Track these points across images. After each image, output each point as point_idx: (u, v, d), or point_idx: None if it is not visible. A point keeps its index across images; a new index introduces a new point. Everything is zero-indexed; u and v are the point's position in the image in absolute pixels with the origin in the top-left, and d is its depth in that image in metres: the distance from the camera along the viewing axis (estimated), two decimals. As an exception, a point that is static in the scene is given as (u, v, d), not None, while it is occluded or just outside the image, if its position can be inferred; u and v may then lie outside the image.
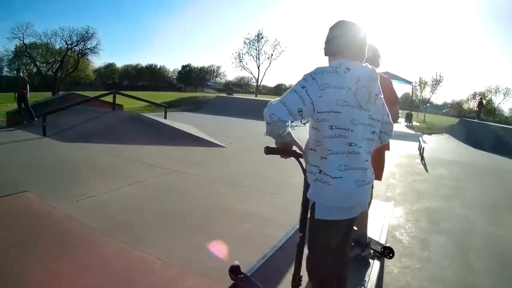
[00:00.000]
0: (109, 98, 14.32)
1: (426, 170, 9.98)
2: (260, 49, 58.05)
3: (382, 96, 2.38)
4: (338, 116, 2.16)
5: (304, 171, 2.37)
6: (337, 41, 2.32)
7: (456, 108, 64.52)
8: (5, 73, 59.16)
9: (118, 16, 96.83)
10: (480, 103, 34.13)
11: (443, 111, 43.70)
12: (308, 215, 2.36)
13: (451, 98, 66.89)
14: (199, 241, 4.32)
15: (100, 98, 14.44)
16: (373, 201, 5.00)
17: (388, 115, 2.49)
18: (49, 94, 33.36)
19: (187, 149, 10.12)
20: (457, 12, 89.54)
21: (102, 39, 68.39)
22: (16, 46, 50.82)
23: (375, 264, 3.51)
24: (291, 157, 2.46)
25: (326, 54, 2.41)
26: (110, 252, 3.81)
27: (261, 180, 7.31)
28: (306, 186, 2.34)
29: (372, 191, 3.88)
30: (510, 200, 7.62)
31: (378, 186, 7.76)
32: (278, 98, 2.18)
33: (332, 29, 2.37)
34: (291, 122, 2.18)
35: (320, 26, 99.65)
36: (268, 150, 2.35)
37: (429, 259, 4.47)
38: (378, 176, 4.03)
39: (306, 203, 2.38)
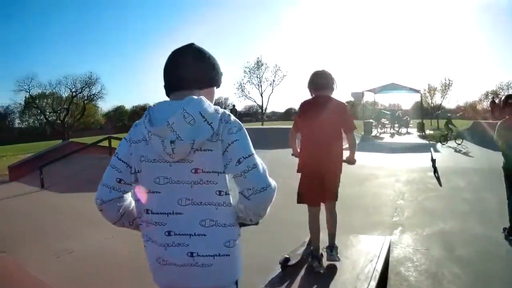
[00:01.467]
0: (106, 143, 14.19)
1: (440, 184, 9.31)
2: (261, 76, 57.86)
3: (212, 137, 1.65)
4: (141, 176, 1.73)
5: None
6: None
7: (470, 111, 63.10)
8: (17, 124, 60.96)
9: (120, 58, 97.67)
10: (493, 102, 33.02)
11: (457, 114, 42.71)
12: None
13: (464, 100, 65.50)
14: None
15: (98, 144, 14.30)
16: (363, 237, 4.48)
17: (240, 162, 1.64)
18: (60, 141, 33.83)
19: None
20: (458, 12, 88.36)
21: (107, 83, 68.77)
22: (25, 98, 52.20)
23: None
24: None
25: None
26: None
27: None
28: None
29: (334, 196, 3.90)
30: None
31: (384, 210, 7.20)
32: None
33: None
34: (122, 197, 1.80)
35: (320, 46, 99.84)
36: None
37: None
38: (331, 196, 3.90)
39: None
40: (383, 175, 10.61)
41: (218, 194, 1.66)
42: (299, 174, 3.95)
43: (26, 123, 61.37)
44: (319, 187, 3.82)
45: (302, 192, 3.90)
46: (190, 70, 1.77)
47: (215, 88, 1.88)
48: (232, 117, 1.71)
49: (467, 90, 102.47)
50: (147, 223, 1.72)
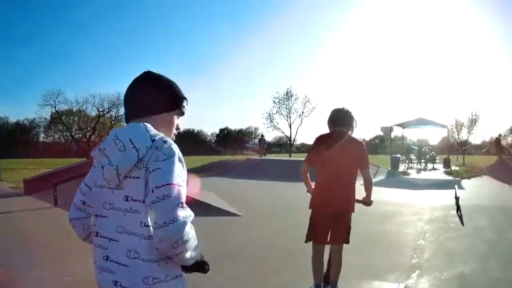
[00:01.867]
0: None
1: (462, 223, 8.93)
2: (291, 107, 57.24)
3: (139, 164, 1.55)
4: (95, 199, 1.75)
5: None
6: None
7: (495, 146, 60.72)
8: (41, 139, 61.84)
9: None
10: (516, 136, 32.15)
11: (482, 150, 41.88)
12: None
13: (489, 135, 63.76)
14: None
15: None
16: (376, 283, 4.45)
17: (152, 191, 1.49)
18: (84, 159, 34.09)
19: (200, 220, 9.46)
20: (484, 46, 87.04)
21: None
22: (51, 113, 52.54)
23: None
24: None
25: None
26: None
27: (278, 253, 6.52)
28: None
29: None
30: None
31: (404, 250, 6.84)
32: None
33: None
34: (88, 217, 1.86)
35: (351, 80, 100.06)
36: None
37: None
38: (340, 240, 3.85)
39: None
40: (406, 212, 10.41)
41: (141, 225, 1.57)
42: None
43: (51, 138, 62.64)
44: (328, 225, 3.75)
45: (311, 230, 3.81)
46: (139, 98, 1.76)
47: (173, 114, 1.80)
48: (167, 145, 1.58)
49: (491, 125, 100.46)
50: (94, 245, 1.73)
